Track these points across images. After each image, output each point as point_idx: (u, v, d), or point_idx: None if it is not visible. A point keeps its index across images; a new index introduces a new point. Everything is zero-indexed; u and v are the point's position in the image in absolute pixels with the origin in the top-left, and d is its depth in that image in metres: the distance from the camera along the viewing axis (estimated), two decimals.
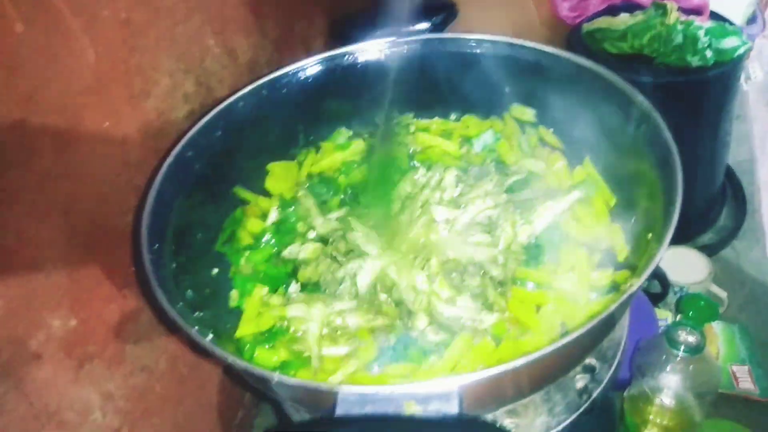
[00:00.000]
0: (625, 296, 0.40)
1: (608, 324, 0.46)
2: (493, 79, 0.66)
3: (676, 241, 0.95)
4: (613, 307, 0.39)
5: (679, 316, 0.84)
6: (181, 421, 0.70)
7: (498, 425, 0.38)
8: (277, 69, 0.68)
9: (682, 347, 0.67)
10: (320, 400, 0.41)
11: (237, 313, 0.59)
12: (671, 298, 0.88)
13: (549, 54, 0.61)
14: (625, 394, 0.76)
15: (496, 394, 0.44)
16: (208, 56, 0.72)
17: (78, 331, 0.54)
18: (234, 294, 0.60)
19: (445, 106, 0.73)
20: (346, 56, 0.68)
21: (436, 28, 0.71)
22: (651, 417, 0.72)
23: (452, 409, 0.37)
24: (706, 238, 1.01)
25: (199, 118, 0.63)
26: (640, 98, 0.52)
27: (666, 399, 0.70)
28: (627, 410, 0.75)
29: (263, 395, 0.78)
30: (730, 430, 0.79)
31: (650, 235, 0.48)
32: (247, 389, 0.84)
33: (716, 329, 0.88)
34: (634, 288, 0.40)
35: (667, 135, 0.48)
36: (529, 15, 1.07)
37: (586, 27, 0.93)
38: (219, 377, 0.78)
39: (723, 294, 0.90)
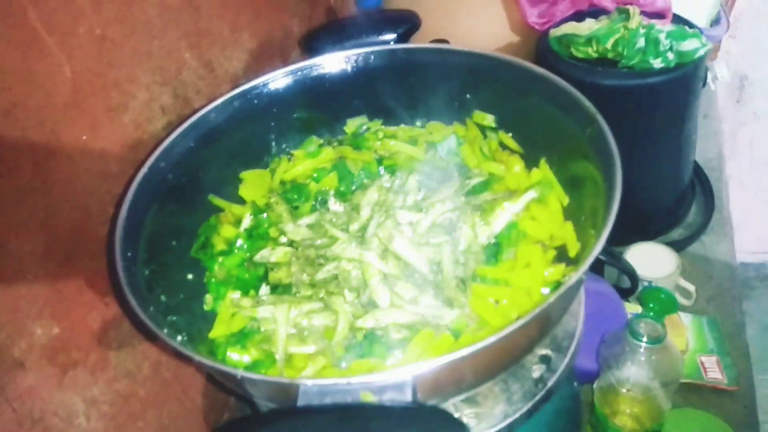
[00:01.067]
0: (563, 289, 0.42)
1: (552, 315, 0.49)
2: (455, 87, 0.69)
3: (646, 237, 0.99)
4: (552, 297, 0.41)
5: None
6: (165, 425, 0.72)
7: (450, 413, 0.41)
8: (247, 81, 0.70)
9: (645, 338, 0.70)
10: (285, 395, 0.43)
11: (212, 316, 0.61)
12: (640, 293, 0.91)
13: (502, 61, 0.64)
14: (594, 386, 0.78)
15: (450, 383, 0.46)
16: (185, 69, 0.74)
17: (61, 339, 0.56)
18: (208, 298, 0.63)
19: (410, 114, 0.75)
20: (314, 68, 0.71)
21: (401, 38, 0.74)
22: (620, 407, 0.75)
23: (406, 398, 0.40)
24: (676, 233, 1.04)
25: (175, 129, 0.65)
26: (586, 102, 0.55)
27: (632, 389, 0.72)
28: (597, 402, 0.77)
29: (241, 396, 0.80)
30: (700, 419, 0.82)
31: (592, 231, 0.51)
32: (227, 392, 0.86)
33: (685, 321, 0.90)
34: (573, 280, 0.43)
35: (610, 137, 0.51)
36: (500, 23, 1.09)
37: (553, 33, 0.96)
38: (203, 381, 0.80)
39: (691, 287, 0.93)
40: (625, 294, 0.90)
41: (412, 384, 0.40)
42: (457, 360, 0.40)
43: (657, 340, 0.70)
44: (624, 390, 0.73)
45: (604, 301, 0.85)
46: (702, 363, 0.87)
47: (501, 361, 0.47)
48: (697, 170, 1.10)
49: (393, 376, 0.40)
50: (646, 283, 0.91)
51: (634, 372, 0.72)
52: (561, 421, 0.63)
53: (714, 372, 0.86)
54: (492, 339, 0.39)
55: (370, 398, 0.40)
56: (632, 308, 0.90)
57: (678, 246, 0.98)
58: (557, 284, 0.56)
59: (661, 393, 0.73)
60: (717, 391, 0.84)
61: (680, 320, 0.90)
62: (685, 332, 0.90)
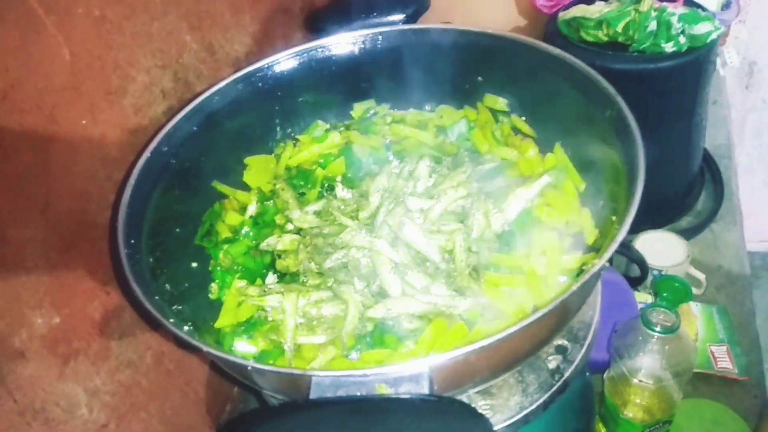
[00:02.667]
0: (587, 276, 0.41)
1: (573, 304, 0.48)
2: (466, 69, 0.67)
3: (655, 225, 0.98)
4: (575, 286, 0.40)
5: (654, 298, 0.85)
6: (168, 416, 0.71)
7: (470, 405, 0.39)
8: (252, 63, 0.68)
9: (658, 328, 0.68)
10: (295, 387, 0.42)
11: (218, 305, 0.60)
12: (650, 282, 0.90)
13: (517, 42, 0.62)
14: (604, 376, 0.77)
15: (467, 375, 0.45)
16: (186, 51, 0.73)
17: (61, 328, 0.55)
18: (214, 287, 0.61)
19: (419, 97, 0.74)
20: (320, 49, 0.69)
21: (409, 19, 0.72)
22: (631, 397, 0.73)
23: (423, 390, 0.38)
24: (685, 222, 1.02)
25: (177, 113, 0.64)
26: (605, 84, 0.53)
27: (644, 379, 0.71)
28: (607, 392, 0.76)
29: (246, 387, 0.79)
30: (710, 409, 0.81)
31: (614, 217, 0.49)
32: (232, 382, 0.85)
33: (695, 310, 0.89)
34: (596, 268, 0.41)
35: (631, 119, 0.49)
36: (508, 6, 1.07)
37: (562, 16, 0.94)
38: (206, 372, 0.79)
39: (701, 276, 0.92)
40: (635, 283, 0.89)
41: (429, 375, 0.39)
42: (477, 350, 0.38)
43: (671, 329, 0.68)
44: (635, 380, 0.72)
45: (613, 290, 0.84)
46: (712, 353, 0.86)
47: (520, 352, 0.46)
48: (707, 157, 1.08)
49: (409, 368, 0.39)
50: (656, 272, 0.90)
51: (647, 362, 0.71)
52: (573, 411, 0.62)
53: (724, 361, 0.85)
54: (514, 328, 0.38)
55: (385, 390, 0.39)
56: (642, 297, 0.89)
57: (687, 234, 0.97)
58: (574, 272, 0.54)
59: (673, 383, 0.72)
60: (727, 380, 0.83)
61: (690, 309, 0.89)
62: (695, 321, 0.88)
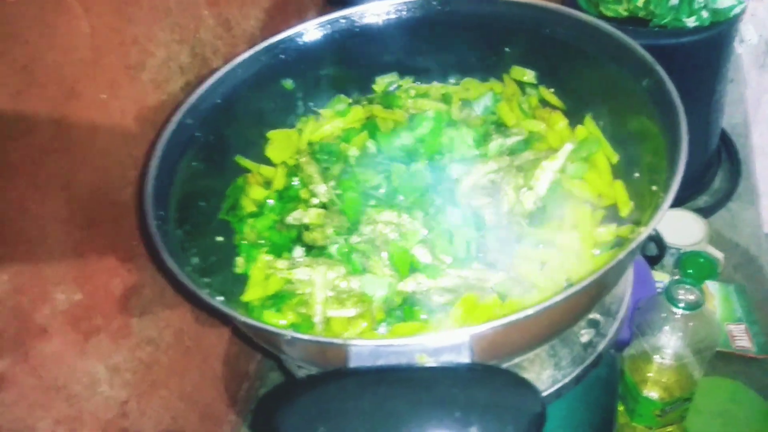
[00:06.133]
0: (633, 244, 0.40)
1: (614, 275, 0.47)
2: (492, 40, 0.65)
3: (673, 203, 0.96)
4: (622, 254, 0.39)
5: (677, 276, 0.84)
6: (188, 393, 0.71)
7: (516, 373, 0.38)
8: (268, 38, 0.67)
9: (682, 304, 0.68)
10: (333, 357, 0.41)
11: (243, 279, 0.59)
12: (667, 261, 0.89)
13: (546, 10, 0.61)
14: (624, 353, 0.77)
15: (506, 346, 0.44)
16: (202, 27, 0.71)
17: (83, 305, 0.54)
18: (239, 261, 0.60)
19: (443, 70, 0.72)
20: (344, 20, 0.67)
21: None
22: (651, 375, 0.73)
23: (464, 360, 0.38)
24: (702, 200, 1.02)
25: (197, 87, 0.63)
26: (641, 51, 0.52)
27: (666, 357, 0.71)
28: (627, 370, 0.76)
29: (272, 356, 0.78)
30: (728, 387, 0.81)
31: (655, 187, 0.48)
32: (260, 351, 0.84)
33: (712, 289, 0.89)
34: (643, 235, 0.40)
35: (671, 86, 0.48)
36: None
37: None
38: (224, 350, 0.79)
39: (719, 255, 0.91)
40: (652, 262, 0.88)
41: (470, 345, 0.38)
42: (521, 320, 0.37)
43: (695, 305, 0.68)
44: (657, 358, 0.72)
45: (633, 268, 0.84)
46: (730, 331, 0.85)
47: (560, 324, 0.45)
48: (724, 136, 1.07)
49: (450, 337, 0.38)
50: (673, 251, 0.89)
51: (669, 339, 0.70)
52: (601, 387, 0.62)
53: (742, 340, 0.85)
54: (557, 298, 0.37)
55: (425, 360, 0.38)
56: (660, 276, 0.89)
57: (704, 213, 0.96)
58: (608, 245, 0.53)
59: (694, 361, 0.72)
60: (745, 359, 0.83)
61: (707, 288, 0.88)
62: (712, 300, 0.88)
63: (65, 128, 0.53)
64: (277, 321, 0.52)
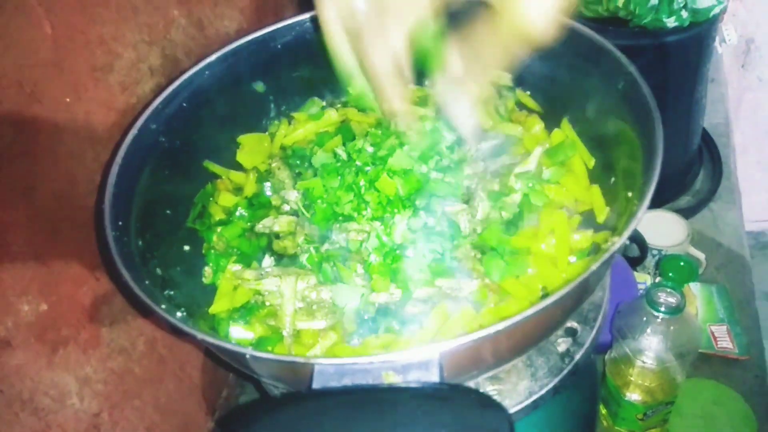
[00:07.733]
0: (607, 254, 0.39)
1: (590, 284, 0.46)
2: None
3: (654, 204, 0.96)
4: (595, 265, 0.38)
5: (658, 278, 0.84)
6: (163, 403, 0.69)
7: (486, 393, 0.37)
8: (244, 36, 0.65)
9: (663, 308, 0.67)
10: (297, 375, 0.40)
11: (212, 290, 0.57)
12: (649, 262, 0.89)
13: None
14: (606, 357, 0.76)
15: (478, 360, 0.43)
16: (173, 27, 0.70)
17: (49, 316, 0.53)
18: (207, 270, 0.59)
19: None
20: (315, 22, 0.66)
21: None
22: (632, 379, 0.73)
23: (433, 377, 0.36)
24: (684, 201, 1.02)
25: (164, 89, 0.61)
26: (616, 53, 0.51)
27: (647, 360, 0.70)
28: (608, 373, 0.75)
29: (244, 375, 0.77)
30: (711, 389, 0.80)
31: (630, 193, 0.47)
32: (227, 368, 0.83)
33: (694, 290, 0.88)
34: (617, 245, 0.39)
35: (646, 90, 0.47)
36: None
37: None
38: (201, 357, 0.77)
39: (701, 256, 0.91)
40: (634, 263, 0.88)
41: (439, 362, 0.37)
42: (492, 335, 0.36)
43: (676, 309, 0.67)
44: (638, 361, 0.71)
45: (613, 271, 0.83)
46: (712, 332, 0.85)
47: (535, 335, 0.44)
48: (705, 136, 1.07)
49: (419, 354, 0.37)
50: (655, 252, 0.89)
51: (650, 343, 0.70)
52: (580, 394, 0.61)
53: (724, 341, 0.85)
54: (532, 310, 0.36)
55: (393, 378, 0.37)
56: (641, 278, 0.88)
57: (686, 213, 0.96)
58: (585, 252, 0.52)
59: (676, 365, 0.71)
60: (727, 360, 0.83)
61: (690, 289, 0.88)
62: (695, 302, 0.88)
63: (27, 132, 0.51)
64: (244, 334, 0.50)
